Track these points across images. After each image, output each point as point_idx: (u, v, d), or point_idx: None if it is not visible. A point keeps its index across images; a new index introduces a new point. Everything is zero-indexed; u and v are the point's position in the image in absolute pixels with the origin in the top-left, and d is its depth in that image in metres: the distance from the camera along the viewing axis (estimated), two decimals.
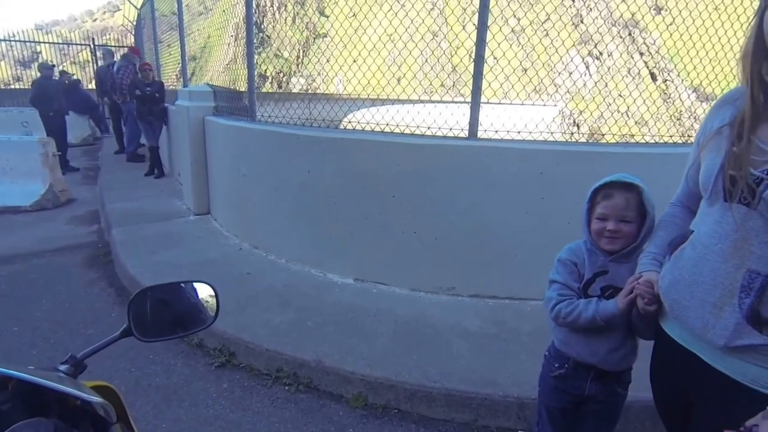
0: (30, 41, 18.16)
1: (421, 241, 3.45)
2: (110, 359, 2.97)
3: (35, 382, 0.73)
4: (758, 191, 1.05)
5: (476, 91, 3.39)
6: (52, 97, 8.27)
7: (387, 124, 3.78)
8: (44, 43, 18.40)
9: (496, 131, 3.52)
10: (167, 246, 4.52)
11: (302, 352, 2.86)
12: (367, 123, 3.88)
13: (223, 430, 2.49)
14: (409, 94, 4.19)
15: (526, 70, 3.58)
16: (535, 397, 1.92)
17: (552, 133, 3.70)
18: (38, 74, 8.64)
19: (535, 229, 3.33)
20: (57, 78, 9.09)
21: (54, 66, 9.67)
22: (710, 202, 1.16)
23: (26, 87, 17.85)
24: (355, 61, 4.06)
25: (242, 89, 4.77)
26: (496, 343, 2.96)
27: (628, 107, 4.39)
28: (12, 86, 19.90)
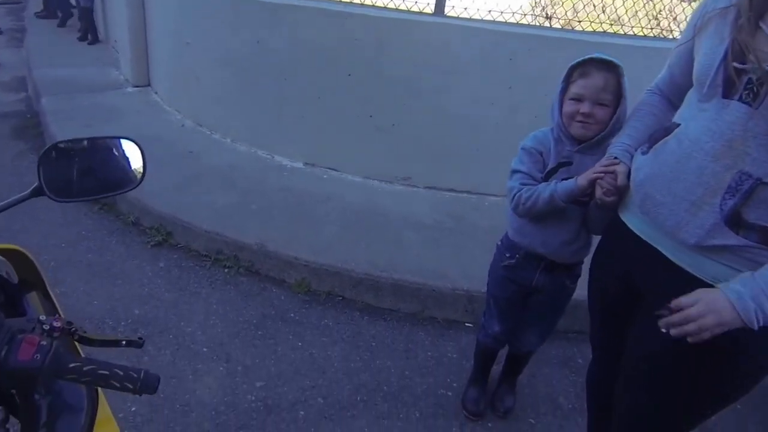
0: None
1: (377, 125, 3.24)
2: (39, 235, 2.81)
3: None
4: (763, 91, 0.95)
5: None
6: None
7: None
8: None
9: (465, 8, 3.21)
10: (103, 120, 4.15)
11: (244, 235, 2.73)
12: None
13: (158, 309, 2.41)
14: None
15: None
16: (485, 291, 1.88)
17: (525, 14, 3.40)
18: None
19: (501, 121, 3.16)
20: None
21: None
22: (705, 96, 1.05)
23: None
24: None
25: None
26: (451, 237, 2.90)
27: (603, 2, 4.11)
28: None
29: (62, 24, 7.37)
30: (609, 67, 1.40)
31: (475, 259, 2.66)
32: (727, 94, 1.00)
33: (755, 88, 0.96)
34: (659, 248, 1.15)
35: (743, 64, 0.97)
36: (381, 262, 2.60)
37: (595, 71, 1.40)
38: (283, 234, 2.76)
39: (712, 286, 1.02)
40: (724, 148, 1.00)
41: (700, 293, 0.99)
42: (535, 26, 3.41)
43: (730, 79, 0.99)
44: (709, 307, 0.96)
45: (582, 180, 1.35)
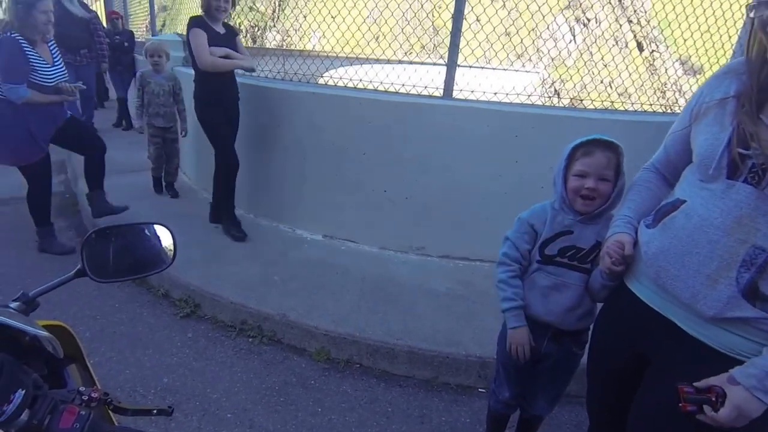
0: None
1: (392, 199, 3.44)
2: (75, 306, 2.97)
3: None
4: (767, 174, 1.02)
5: (453, 48, 3.33)
6: None
7: (360, 80, 3.70)
8: None
9: (472, 91, 3.48)
10: (136, 198, 4.42)
11: (267, 305, 2.87)
12: (340, 78, 3.80)
13: (186, 378, 2.51)
14: (387, 54, 4.08)
15: (503, 34, 3.48)
16: (496, 357, 1.95)
17: (529, 95, 3.66)
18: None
19: (508, 192, 3.33)
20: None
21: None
22: (710, 178, 1.12)
23: None
24: (331, 16, 3.94)
25: None
26: (463, 304, 3.00)
27: (610, 74, 4.35)
28: None
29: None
30: (610, 146, 1.52)
31: (487, 326, 2.75)
32: (731, 176, 1.08)
33: (760, 172, 1.04)
34: (673, 319, 1.19)
35: (746, 150, 1.05)
36: (396, 330, 2.70)
37: (599, 150, 1.52)
38: (304, 304, 2.89)
39: (726, 356, 1.08)
40: (734, 223, 1.06)
41: (723, 380, 1.03)
42: (540, 105, 3.64)
43: (734, 163, 1.07)
44: (740, 412, 1.00)
45: (512, 339, 1.66)
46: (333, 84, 3.86)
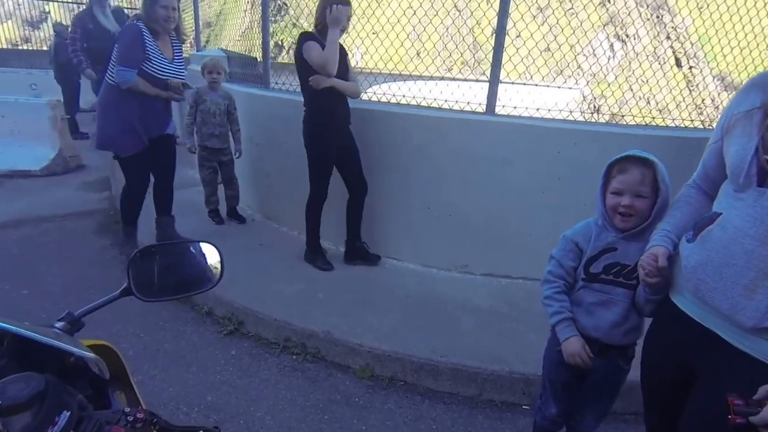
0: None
1: (435, 216, 3.41)
2: (119, 323, 3.00)
3: (27, 336, 0.71)
4: None
5: (496, 64, 3.32)
6: (65, 59, 8.17)
7: (404, 96, 3.71)
8: (53, 1, 17.28)
9: (515, 107, 3.45)
10: (180, 214, 4.45)
11: (311, 322, 2.87)
12: (384, 94, 3.81)
13: (230, 396, 2.51)
14: (430, 69, 4.11)
15: (545, 50, 3.46)
16: (541, 374, 1.92)
17: (571, 112, 3.62)
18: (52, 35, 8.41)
19: (552, 209, 3.28)
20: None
21: (67, 27, 9.46)
22: (741, 187, 1.16)
23: (35, 48, 17.44)
24: (374, 33, 3.98)
25: (258, 56, 4.71)
26: (506, 322, 2.96)
27: (651, 90, 4.29)
28: (21, 47, 19.46)
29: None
30: (645, 162, 1.51)
31: (530, 343, 2.70)
32: (761, 183, 1.12)
33: None
34: (715, 330, 1.21)
35: None
36: (440, 347, 2.67)
37: (633, 167, 1.52)
38: (348, 321, 2.88)
39: None
40: None
41: None
42: (581, 122, 3.60)
43: (762, 170, 1.11)
44: None
45: (566, 351, 1.63)
46: (375, 100, 3.87)
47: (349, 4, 3.16)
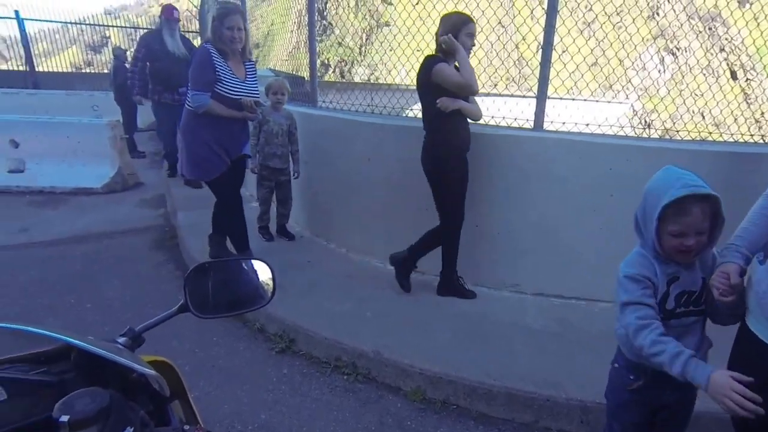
0: (96, 24, 18.81)
1: (483, 234, 3.37)
2: (176, 339, 3.07)
3: (92, 351, 0.74)
4: None
5: (543, 80, 3.27)
6: (123, 81, 8.62)
7: None
8: (113, 27, 18.82)
9: (563, 123, 3.38)
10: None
11: (361, 342, 2.87)
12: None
13: (283, 415, 2.53)
14: None
15: (592, 64, 3.37)
16: (600, 401, 1.85)
17: (622, 127, 3.52)
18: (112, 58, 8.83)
19: (603, 227, 3.19)
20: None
21: (126, 51, 9.96)
22: None
23: (98, 71, 18.68)
24: (419, 50, 3.99)
25: (305, 75, 4.80)
26: (561, 344, 2.88)
27: (706, 104, 4.13)
28: (84, 70, 20.81)
29: (172, 174, 6.54)
30: (706, 198, 1.37)
31: (587, 367, 2.61)
32: None
33: None
34: None
35: None
36: (493, 370, 2.62)
37: (694, 207, 1.37)
38: (398, 341, 2.87)
39: None
40: None
41: None
42: (633, 137, 3.49)
43: None
44: None
45: (718, 392, 1.24)
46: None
47: (474, 21, 3.10)
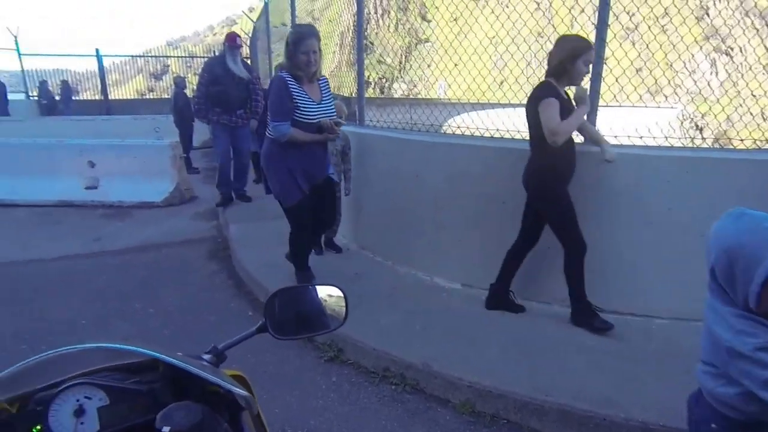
0: (160, 56, 21.09)
1: (534, 249, 3.31)
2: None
3: (189, 370, 0.80)
4: None
5: (594, 95, 3.22)
6: (182, 106, 9.14)
7: (497, 129, 3.69)
8: (172, 57, 21.34)
9: (616, 137, 3.31)
10: (280, 243, 4.69)
11: (409, 354, 2.87)
12: (467, 128, 3.83)
13: (332, 423, 2.56)
14: (510, 98, 4.06)
15: (639, 70, 3.27)
16: (665, 425, 1.75)
17: (670, 137, 3.41)
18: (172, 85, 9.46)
19: (661, 241, 3.10)
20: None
21: (184, 78, 10.65)
22: None
23: (158, 97, 20.78)
24: (456, 66, 4.03)
25: (347, 94, 4.90)
26: (617, 361, 2.78)
27: (762, 108, 3.96)
28: (146, 96, 23.42)
29: (223, 204, 6.50)
30: None
31: (646, 386, 2.52)
32: None
33: None
34: None
35: None
36: (545, 386, 2.56)
37: None
38: (446, 354, 2.85)
39: None
40: None
41: None
42: (690, 148, 3.40)
43: None
44: None
45: None
46: (469, 134, 3.89)
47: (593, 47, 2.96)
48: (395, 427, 2.52)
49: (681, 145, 3.41)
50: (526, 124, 3.07)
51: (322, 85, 3.46)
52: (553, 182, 3.02)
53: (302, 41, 3.21)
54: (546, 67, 3.03)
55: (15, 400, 0.81)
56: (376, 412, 2.63)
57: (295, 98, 3.27)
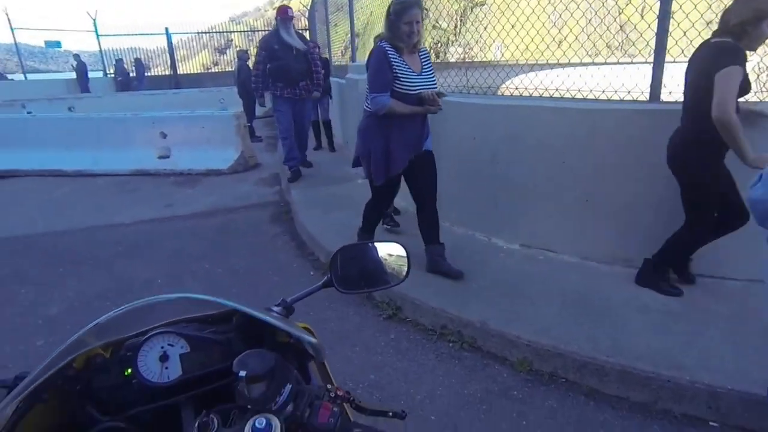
0: (224, 31, 22.04)
1: (594, 209, 3.21)
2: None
3: (264, 319, 0.85)
4: None
5: (660, 50, 3.02)
6: (245, 78, 9.41)
7: (557, 89, 3.54)
8: (235, 32, 22.39)
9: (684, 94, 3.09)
10: (339, 207, 4.86)
11: (467, 312, 2.89)
12: (526, 89, 3.67)
13: (391, 377, 2.63)
14: (570, 57, 3.84)
15: (709, 23, 2.95)
16: (733, 388, 1.69)
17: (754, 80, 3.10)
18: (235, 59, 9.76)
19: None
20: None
21: (246, 51, 10.97)
22: None
23: (222, 70, 21.90)
24: (513, 27, 3.86)
25: None
26: (683, 323, 2.69)
27: None
28: (211, 70, 24.61)
29: (293, 178, 6.25)
30: None
31: (714, 349, 2.44)
32: None
33: None
34: None
35: None
36: (605, 346, 2.51)
37: None
38: (504, 313, 2.86)
39: None
40: None
41: None
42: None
43: None
44: None
45: None
46: (528, 95, 3.76)
47: None
48: (453, 383, 2.56)
49: (757, 100, 3.11)
50: (686, 84, 2.73)
51: (422, 57, 3.31)
52: (715, 159, 2.70)
53: (406, 11, 3.06)
54: (614, 20, 2.85)
55: (109, 346, 0.90)
56: (433, 368, 2.68)
57: (395, 69, 3.10)
